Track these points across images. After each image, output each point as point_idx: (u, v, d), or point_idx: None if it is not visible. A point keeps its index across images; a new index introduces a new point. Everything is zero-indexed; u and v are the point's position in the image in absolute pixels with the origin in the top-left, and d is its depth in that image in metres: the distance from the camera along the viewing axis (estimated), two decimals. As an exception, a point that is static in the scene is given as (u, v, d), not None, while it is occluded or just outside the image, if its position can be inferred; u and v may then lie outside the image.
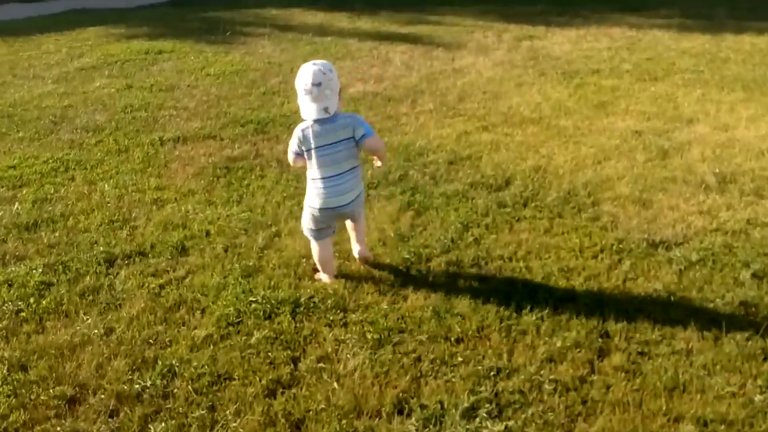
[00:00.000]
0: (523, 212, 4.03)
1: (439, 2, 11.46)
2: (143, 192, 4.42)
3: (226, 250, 3.68)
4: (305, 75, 3.07)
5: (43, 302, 3.25)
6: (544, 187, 4.35)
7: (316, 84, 3.03)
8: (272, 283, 3.35)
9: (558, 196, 4.23)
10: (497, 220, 3.94)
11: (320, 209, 3.22)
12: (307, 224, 3.34)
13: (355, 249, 3.49)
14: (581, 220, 3.93)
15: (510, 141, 5.20)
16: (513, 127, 5.50)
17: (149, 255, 3.66)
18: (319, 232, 3.32)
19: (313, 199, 3.23)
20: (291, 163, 3.30)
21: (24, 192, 4.47)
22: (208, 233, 3.86)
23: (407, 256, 3.57)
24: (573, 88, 6.50)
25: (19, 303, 3.26)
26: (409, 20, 10.03)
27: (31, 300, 3.27)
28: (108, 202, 4.29)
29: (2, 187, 4.58)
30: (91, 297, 3.31)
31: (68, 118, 5.88)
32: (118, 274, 3.49)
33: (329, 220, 3.30)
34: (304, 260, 3.52)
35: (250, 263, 3.53)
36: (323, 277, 3.40)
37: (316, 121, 3.10)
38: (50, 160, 4.95)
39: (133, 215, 4.10)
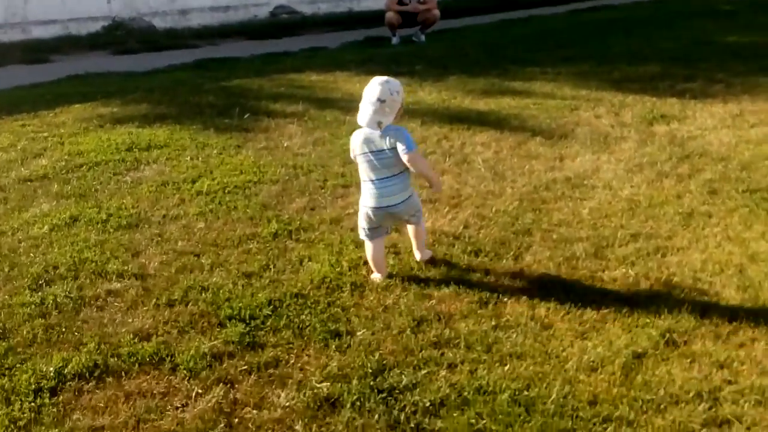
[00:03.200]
0: None
1: (521, 61, 8.84)
2: None
3: None
4: (374, 89, 3.23)
5: None
6: None
7: (381, 100, 3.20)
8: None
9: None
10: None
11: (373, 207, 3.34)
12: (361, 224, 3.44)
13: (417, 254, 3.60)
14: None
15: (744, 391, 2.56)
16: (726, 345, 2.87)
17: None
18: (372, 232, 3.42)
19: (366, 199, 3.38)
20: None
21: None
22: None
23: None
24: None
25: None
26: (486, 89, 7.43)
27: None
28: None
29: None
30: None
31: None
32: None
33: (381, 220, 3.40)
34: None
35: None
36: (376, 277, 3.46)
37: (362, 131, 3.31)
38: None
39: None
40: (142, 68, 9.35)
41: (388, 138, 3.24)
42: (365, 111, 3.26)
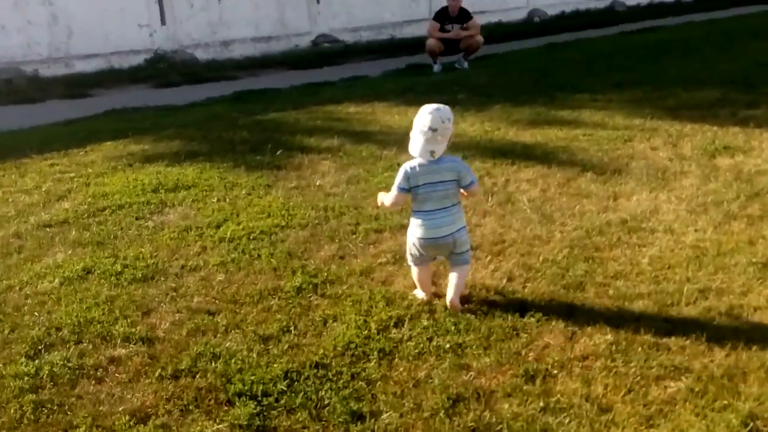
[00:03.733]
0: None
1: (569, 87, 8.38)
2: None
3: None
4: (424, 117, 3.16)
5: None
6: None
7: (433, 129, 3.13)
8: None
9: None
10: None
11: (420, 239, 3.27)
12: (409, 249, 3.38)
13: (449, 296, 3.31)
14: None
15: None
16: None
17: None
18: (419, 259, 3.36)
19: (414, 230, 3.30)
20: (391, 201, 3.31)
21: None
22: None
23: None
24: None
25: None
26: (532, 119, 7.00)
27: None
28: None
29: None
30: None
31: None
32: None
33: (429, 251, 3.32)
34: None
35: None
36: (419, 293, 3.43)
37: (421, 163, 3.19)
38: None
39: None
40: (181, 101, 9.18)
41: (451, 170, 3.23)
42: (417, 141, 3.20)
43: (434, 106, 3.24)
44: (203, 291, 3.67)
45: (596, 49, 11.89)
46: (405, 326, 3.21)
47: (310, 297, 3.54)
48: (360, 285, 3.65)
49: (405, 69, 11.08)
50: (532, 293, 3.45)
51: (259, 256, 4.05)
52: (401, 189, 3.28)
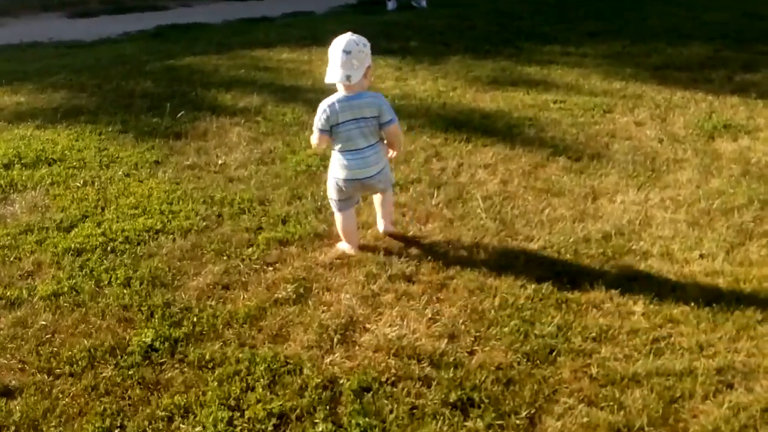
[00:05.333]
0: None
1: (538, 36, 7.15)
2: None
3: None
4: (339, 41, 2.86)
5: None
6: None
7: (347, 51, 2.82)
8: None
9: None
10: None
11: (345, 180, 2.98)
12: (331, 194, 3.08)
13: (380, 224, 3.24)
14: None
15: None
16: None
17: None
18: (344, 203, 3.07)
19: (338, 170, 2.99)
20: (315, 143, 3.01)
21: None
22: None
23: None
24: None
25: None
26: (495, 76, 5.79)
27: None
28: None
29: None
30: None
31: None
32: None
33: (354, 191, 3.06)
34: None
35: None
36: (345, 246, 3.09)
37: (339, 99, 2.88)
38: None
39: None
40: (90, 36, 7.75)
41: (371, 106, 2.91)
42: (332, 67, 2.89)
43: (349, 33, 2.90)
44: (11, 347, 2.48)
45: (568, -11, 10.57)
46: None
47: (162, 366, 2.39)
48: (240, 342, 2.50)
49: (355, 5, 9.69)
50: (483, 370, 2.34)
51: (110, 282, 2.86)
52: (322, 131, 2.94)
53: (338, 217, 3.10)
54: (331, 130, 2.92)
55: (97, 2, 9.78)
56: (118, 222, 3.34)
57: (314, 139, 3.00)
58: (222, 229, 3.29)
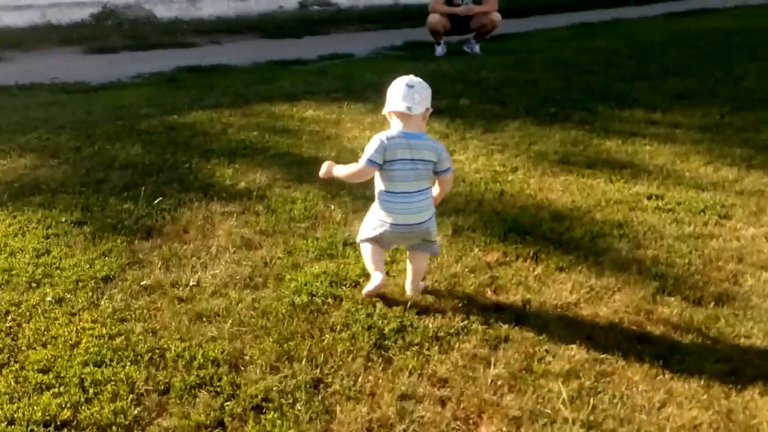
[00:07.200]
0: None
1: (614, 96, 5.86)
2: None
3: None
4: (402, 78, 2.68)
5: None
6: None
7: (410, 85, 2.64)
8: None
9: None
10: None
11: (394, 224, 2.66)
12: (366, 235, 2.74)
13: (409, 290, 2.78)
14: None
15: None
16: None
17: None
18: (377, 242, 2.75)
19: (384, 214, 2.68)
20: (354, 172, 2.68)
21: None
22: None
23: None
24: None
25: None
26: (564, 153, 4.52)
27: None
28: None
29: None
30: None
31: None
32: None
33: (396, 240, 2.77)
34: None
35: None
36: (373, 281, 2.70)
37: (399, 134, 2.63)
38: None
39: None
40: (99, 77, 6.73)
41: (432, 150, 2.66)
42: (393, 99, 2.63)
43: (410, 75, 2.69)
44: None
45: (640, 35, 9.27)
46: None
47: None
48: None
49: (401, 47, 8.55)
50: None
51: None
52: (372, 162, 2.62)
53: (366, 248, 2.78)
54: (383, 166, 2.62)
55: (119, 37, 8.82)
56: (10, 403, 2.16)
57: (352, 169, 2.70)
58: (163, 424, 2.09)
